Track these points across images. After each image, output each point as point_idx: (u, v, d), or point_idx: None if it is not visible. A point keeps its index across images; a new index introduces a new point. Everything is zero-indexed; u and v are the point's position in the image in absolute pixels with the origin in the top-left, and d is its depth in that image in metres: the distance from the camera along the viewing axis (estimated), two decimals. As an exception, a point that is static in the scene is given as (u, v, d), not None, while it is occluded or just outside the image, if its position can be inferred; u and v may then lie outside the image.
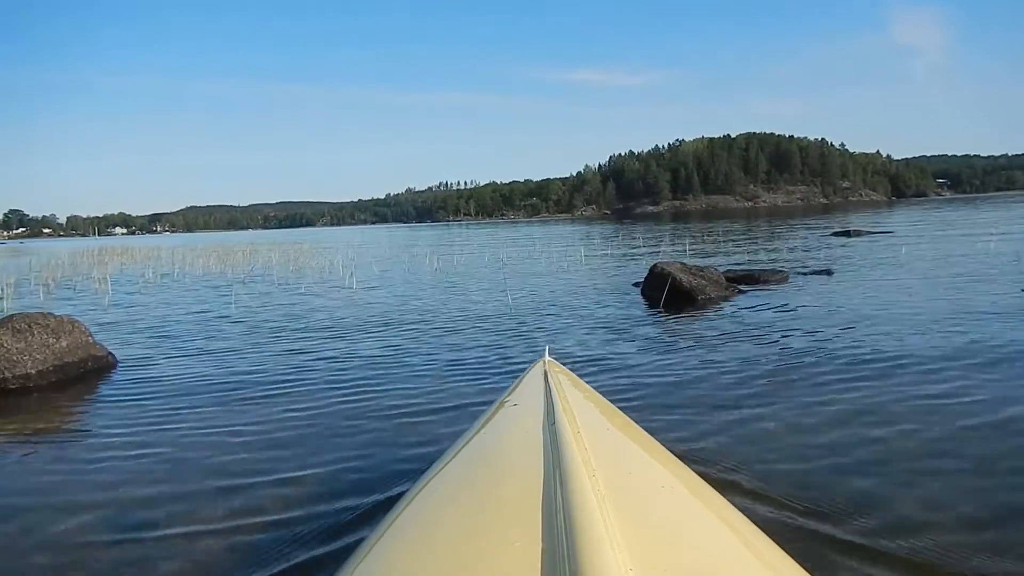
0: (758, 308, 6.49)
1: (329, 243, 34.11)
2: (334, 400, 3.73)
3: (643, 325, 5.97)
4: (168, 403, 3.79)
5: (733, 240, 19.31)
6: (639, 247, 18.32)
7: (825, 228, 22.87)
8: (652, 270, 7.68)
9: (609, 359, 4.54)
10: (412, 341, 5.54)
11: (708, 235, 22.82)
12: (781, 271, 8.92)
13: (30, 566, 2.02)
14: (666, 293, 7.03)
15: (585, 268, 12.29)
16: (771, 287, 8.03)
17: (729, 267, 9.73)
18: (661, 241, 19.92)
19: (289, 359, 4.96)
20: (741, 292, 7.59)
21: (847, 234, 17.87)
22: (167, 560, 2.02)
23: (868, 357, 4.20)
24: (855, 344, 4.60)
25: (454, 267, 14.09)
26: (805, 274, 9.09)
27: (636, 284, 8.60)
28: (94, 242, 58.49)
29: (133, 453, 2.98)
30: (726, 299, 7.21)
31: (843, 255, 12.04)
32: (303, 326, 6.59)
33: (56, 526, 2.26)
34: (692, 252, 14.77)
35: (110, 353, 4.84)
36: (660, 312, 6.66)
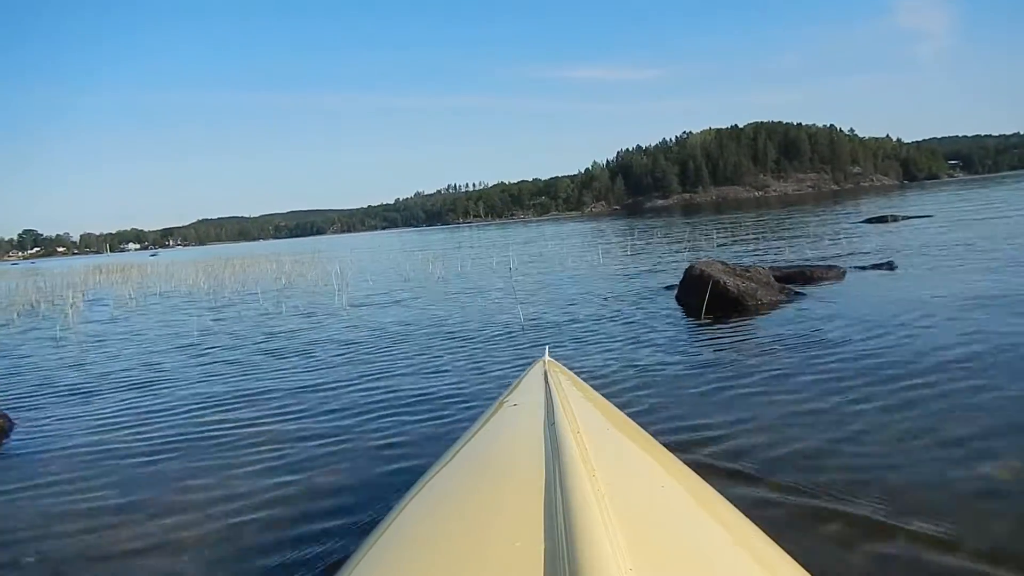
0: (824, 314, 5.28)
1: (332, 252, 33.06)
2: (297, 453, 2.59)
3: (691, 345, 4.77)
4: (47, 505, 2.64)
5: (761, 232, 17.92)
6: (659, 244, 17.07)
7: (853, 215, 21.50)
8: (689, 272, 6.46)
9: (666, 402, 3.36)
10: (401, 372, 4.39)
11: (729, 227, 21.46)
12: (835, 267, 7.69)
13: None
14: (707, 300, 5.84)
15: (604, 270, 11.03)
16: (829, 286, 6.80)
17: (770, 264, 8.48)
18: (682, 236, 18.64)
19: (249, 408, 3.82)
20: (797, 294, 6.37)
21: (883, 220, 16.49)
22: None
23: (989, 381, 3.12)
24: (965, 362, 3.47)
25: (459, 274, 12.90)
26: (863, 268, 7.83)
27: (669, 288, 7.42)
28: (103, 259, 58.02)
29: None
30: (781, 304, 6.00)
31: (895, 245, 10.71)
32: (273, 365, 5.47)
33: None
34: (721, 247, 13.51)
35: (2, 414, 3.70)
36: (704, 323, 5.48)
